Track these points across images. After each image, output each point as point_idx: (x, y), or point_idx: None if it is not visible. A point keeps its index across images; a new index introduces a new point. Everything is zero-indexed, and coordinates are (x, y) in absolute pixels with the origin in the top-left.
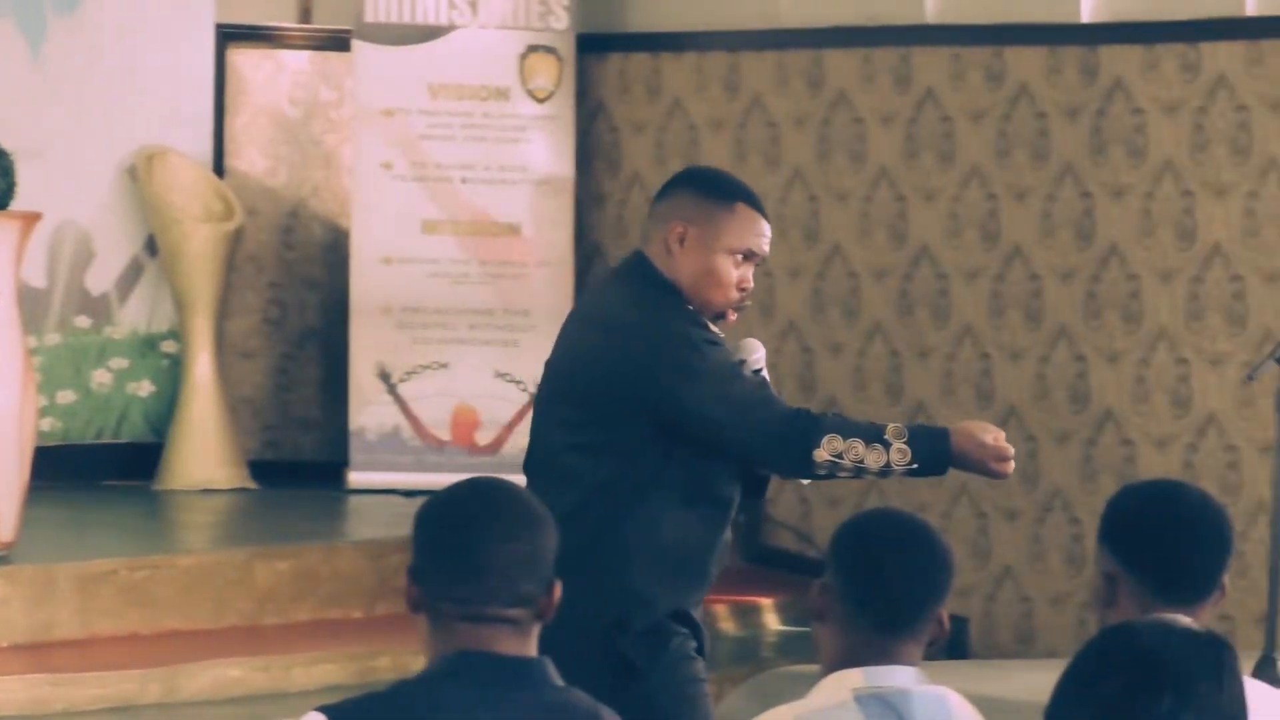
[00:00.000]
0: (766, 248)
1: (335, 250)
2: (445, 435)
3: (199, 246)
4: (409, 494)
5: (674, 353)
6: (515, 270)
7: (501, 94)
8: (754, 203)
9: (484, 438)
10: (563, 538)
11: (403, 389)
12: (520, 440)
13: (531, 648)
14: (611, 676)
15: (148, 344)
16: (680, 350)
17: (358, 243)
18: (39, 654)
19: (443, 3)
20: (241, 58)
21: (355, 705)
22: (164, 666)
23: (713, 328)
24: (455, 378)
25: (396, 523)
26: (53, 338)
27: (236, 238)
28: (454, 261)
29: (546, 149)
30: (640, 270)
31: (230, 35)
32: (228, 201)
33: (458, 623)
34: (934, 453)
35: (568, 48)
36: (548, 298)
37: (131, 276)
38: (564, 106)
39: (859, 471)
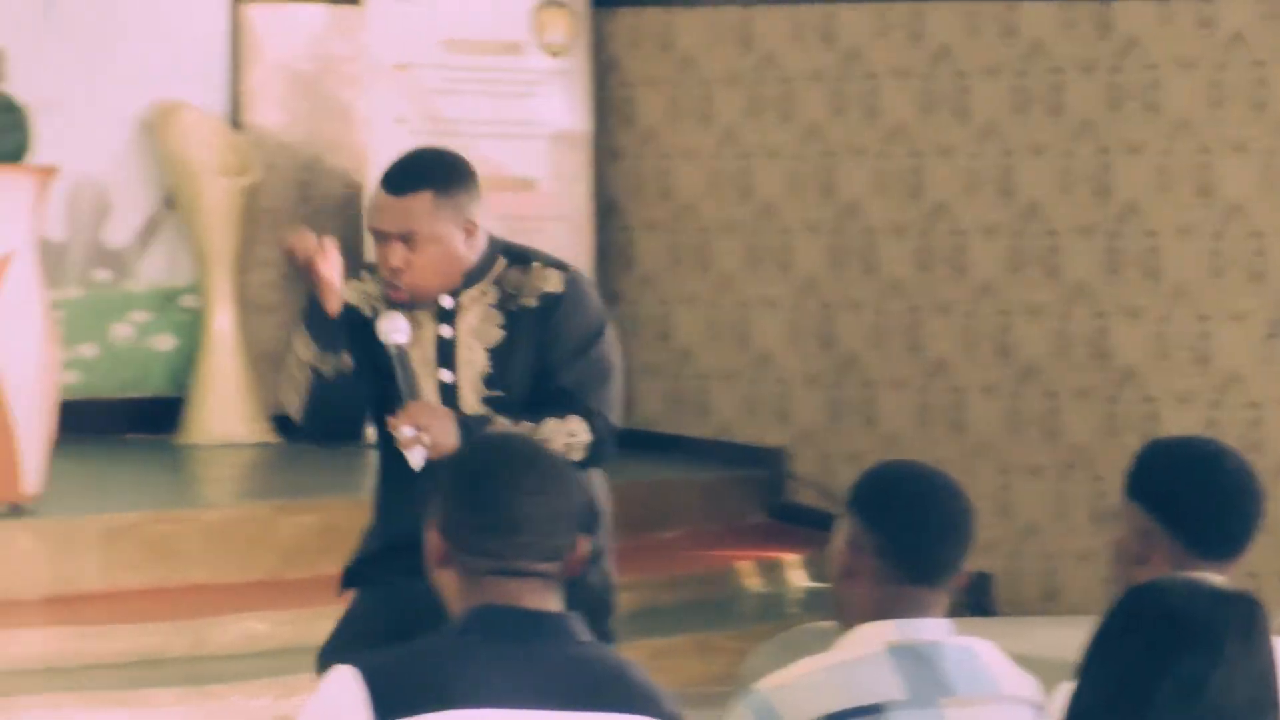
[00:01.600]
0: (395, 223)
1: (351, 205)
2: None
3: (216, 201)
4: None
5: None
6: (532, 225)
7: (514, 48)
8: (383, 181)
9: None
10: None
11: None
12: None
13: (556, 602)
14: None
15: (168, 298)
16: None
17: None
18: (64, 607)
19: None
20: (256, 12)
21: (385, 658)
22: (190, 620)
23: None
24: None
25: None
26: (73, 291)
27: (253, 192)
28: None
29: (561, 104)
30: None
31: None
32: (243, 156)
33: (488, 577)
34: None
35: (581, 2)
36: (565, 253)
37: (150, 230)
38: (578, 61)
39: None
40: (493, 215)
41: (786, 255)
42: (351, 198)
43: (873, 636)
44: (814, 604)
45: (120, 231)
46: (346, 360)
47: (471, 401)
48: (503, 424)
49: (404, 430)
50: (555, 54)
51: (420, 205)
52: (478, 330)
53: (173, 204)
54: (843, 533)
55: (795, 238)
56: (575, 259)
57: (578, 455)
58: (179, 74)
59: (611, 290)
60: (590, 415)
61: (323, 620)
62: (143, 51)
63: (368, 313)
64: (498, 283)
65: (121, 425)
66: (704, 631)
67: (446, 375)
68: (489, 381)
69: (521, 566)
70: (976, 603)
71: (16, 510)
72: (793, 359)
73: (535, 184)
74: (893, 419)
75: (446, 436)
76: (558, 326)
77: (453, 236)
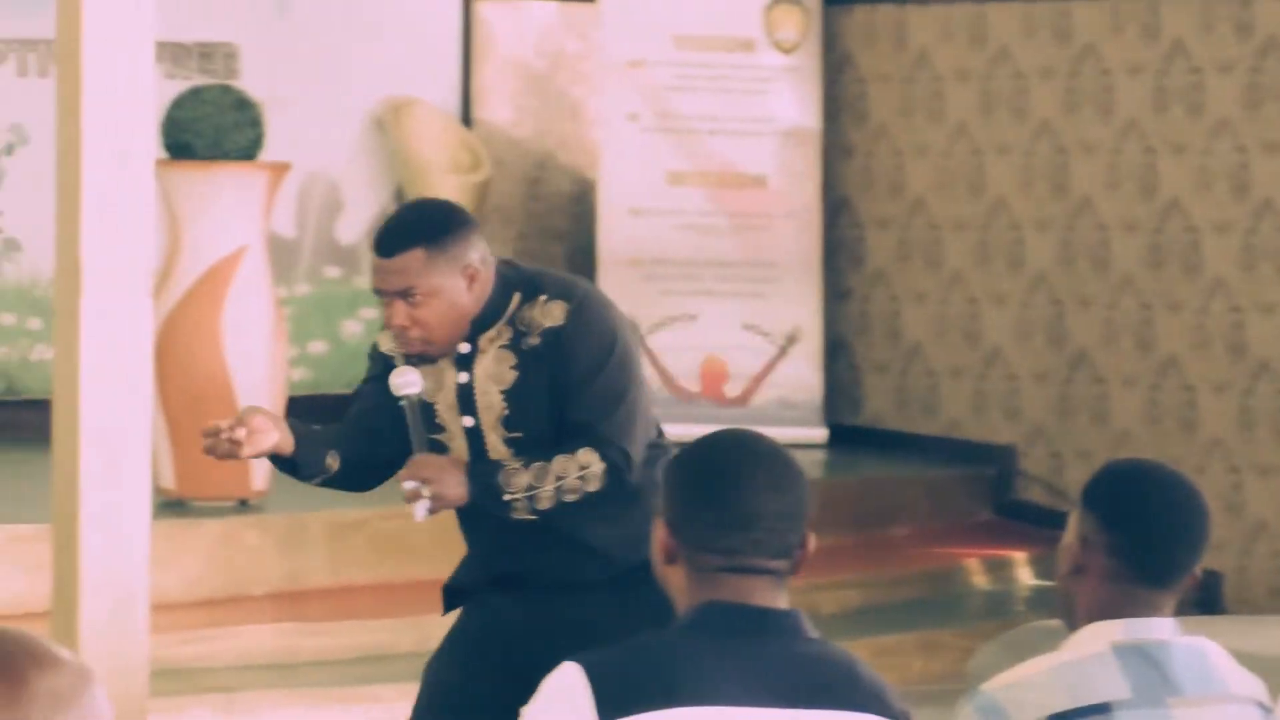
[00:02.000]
0: (391, 283)
1: (582, 202)
2: (694, 387)
3: (446, 197)
4: None
5: None
6: (762, 222)
7: (747, 45)
8: (374, 244)
9: (733, 389)
10: None
11: (651, 341)
12: (769, 392)
13: (784, 599)
14: None
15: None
16: None
17: (605, 194)
18: (291, 603)
19: None
20: (488, 9)
21: (609, 655)
22: (416, 616)
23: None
24: (703, 330)
25: None
26: (303, 288)
27: (484, 189)
28: (701, 213)
29: (792, 100)
30: None
31: None
32: (475, 153)
33: (721, 574)
34: None
35: None
36: (795, 249)
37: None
38: (810, 58)
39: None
40: (723, 212)
41: (1017, 251)
42: (582, 195)
43: (1099, 635)
44: (1041, 602)
45: (350, 228)
46: (331, 463)
47: (495, 443)
48: (514, 467)
49: (405, 485)
50: (787, 51)
51: (413, 263)
52: (493, 373)
53: (403, 200)
54: (1076, 529)
55: (1026, 234)
56: (804, 256)
57: (593, 485)
58: (411, 70)
59: (841, 287)
60: (601, 444)
61: None
62: (375, 48)
63: (400, 362)
64: (512, 321)
65: None
66: (930, 629)
67: (469, 420)
68: (507, 423)
69: (754, 563)
70: (1205, 601)
71: (245, 506)
72: (1022, 356)
73: (765, 181)
74: (1123, 416)
75: (451, 488)
76: (564, 360)
77: (454, 287)
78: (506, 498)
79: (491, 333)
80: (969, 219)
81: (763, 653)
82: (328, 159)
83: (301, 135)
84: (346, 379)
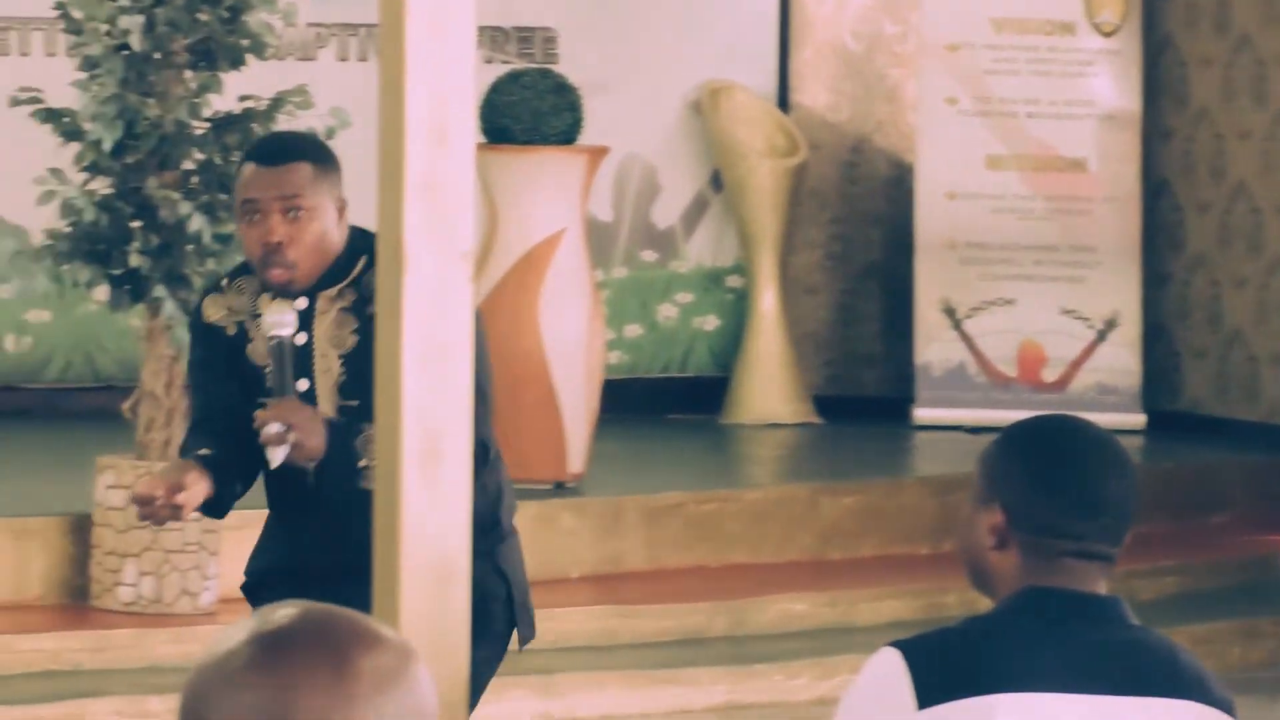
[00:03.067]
0: (278, 188)
1: (898, 185)
2: (1011, 372)
3: (763, 181)
4: (975, 430)
5: None
6: (1081, 206)
7: (1066, 28)
8: (255, 156)
9: (1050, 374)
10: None
11: (968, 325)
12: (1087, 377)
13: (1105, 585)
14: None
15: (712, 279)
16: None
17: (922, 178)
18: (607, 585)
19: None
20: None
21: (929, 640)
22: (731, 600)
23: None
24: (1021, 314)
25: (963, 459)
26: (619, 271)
27: (800, 173)
28: (1019, 197)
29: (1112, 83)
30: None
31: None
32: (791, 136)
33: (1063, 559)
34: None
35: None
36: (1114, 234)
37: (696, 211)
38: (1130, 40)
39: None
40: (1042, 196)
41: None
42: (899, 178)
43: None
44: None
45: (667, 212)
46: (239, 489)
47: (328, 411)
48: (372, 433)
49: (271, 427)
50: (1107, 33)
51: (300, 175)
52: (333, 336)
53: (719, 184)
54: None
55: None
56: (1124, 240)
57: None
58: (727, 54)
59: (1161, 272)
60: None
61: (861, 602)
62: (692, 32)
63: (231, 331)
64: (355, 284)
65: (665, 405)
66: (1249, 617)
67: (303, 384)
68: (344, 390)
69: (1098, 549)
70: None
71: (561, 489)
72: None
73: (1085, 164)
74: None
75: (313, 438)
76: None
77: (329, 212)
78: (361, 464)
79: (332, 292)
80: None
81: (1085, 639)
82: (645, 143)
83: (619, 119)
84: (662, 362)
